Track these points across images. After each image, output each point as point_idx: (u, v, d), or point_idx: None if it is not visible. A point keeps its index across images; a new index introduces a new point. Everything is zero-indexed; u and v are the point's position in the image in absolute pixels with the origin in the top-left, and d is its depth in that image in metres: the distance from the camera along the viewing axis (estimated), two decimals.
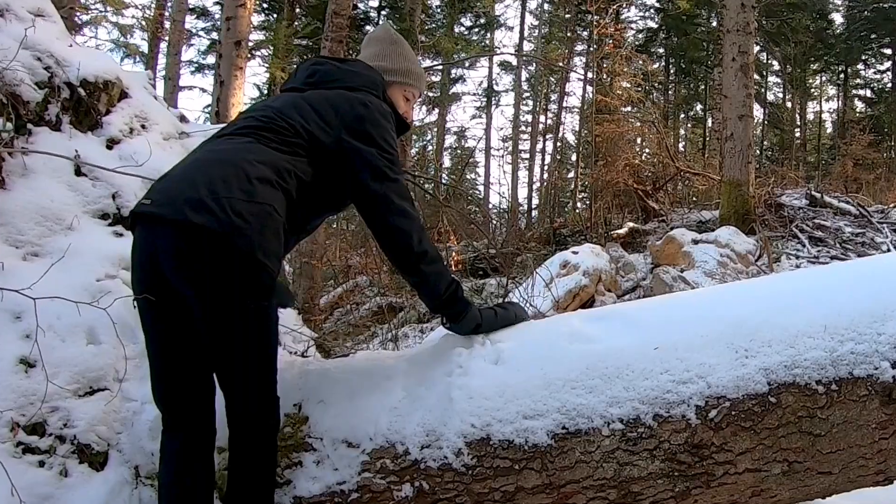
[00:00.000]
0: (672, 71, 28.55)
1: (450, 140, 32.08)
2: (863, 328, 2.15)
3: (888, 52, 29.75)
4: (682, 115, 30.14)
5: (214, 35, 19.60)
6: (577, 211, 21.54)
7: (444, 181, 22.00)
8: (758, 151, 23.26)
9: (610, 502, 2.18)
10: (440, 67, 25.05)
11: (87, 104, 3.51)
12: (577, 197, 24.46)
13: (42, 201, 3.10)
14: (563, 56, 25.66)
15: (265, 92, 20.43)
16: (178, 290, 2.18)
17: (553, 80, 28.69)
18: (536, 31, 31.05)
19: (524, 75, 30.01)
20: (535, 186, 28.98)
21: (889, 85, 30.05)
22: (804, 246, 11.26)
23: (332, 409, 2.40)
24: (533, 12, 30.44)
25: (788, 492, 2.17)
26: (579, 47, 27.56)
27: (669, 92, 28.62)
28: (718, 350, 2.21)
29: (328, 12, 9.58)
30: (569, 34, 26.92)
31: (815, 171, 22.55)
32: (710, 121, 25.60)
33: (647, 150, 19.24)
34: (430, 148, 30.12)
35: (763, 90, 29.04)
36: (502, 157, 32.48)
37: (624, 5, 23.70)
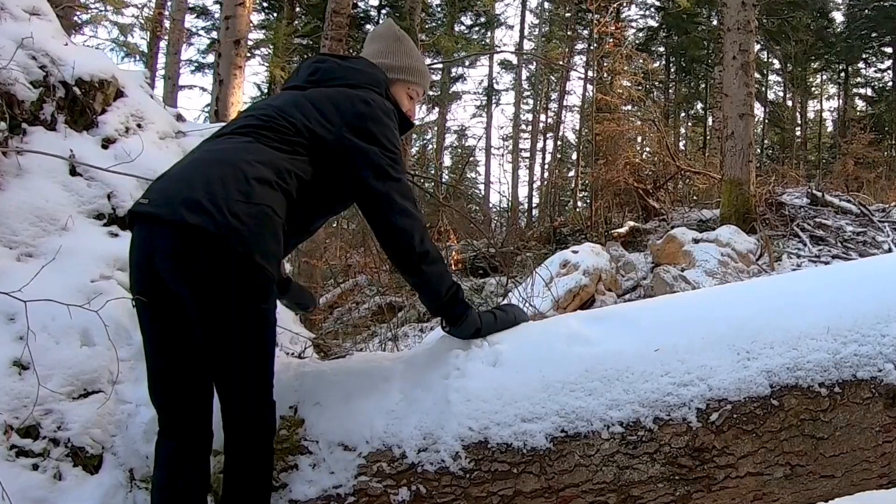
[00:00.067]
0: (672, 69, 28.55)
1: (450, 139, 32.12)
2: (866, 329, 2.12)
3: (889, 50, 29.75)
4: (683, 114, 30.16)
5: (214, 34, 19.61)
6: (578, 210, 21.56)
7: (444, 180, 21.99)
8: (758, 150, 23.24)
9: None
10: (440, 66, 25.03)
11: (82, 103, 3.48)
12: (577, 196, 24.48)
13: (36, 201, 3.08)
14: (564, 55, 25.66)
15: (265, 91, 20.44)
16: (174, 290, 2.15)
17: (553, 78, 28.71)
18: (537, 29, 31.10)
19: (524, 74, 30.05)
20: (535, 185, 29.02)
21: (890, 83, 30.05)
22: (805, 245, 11.24)
23: (329, 411, 2.37)
24: (533, 11, 30.54)
25: (791, 496, 2.14)
26: (579, 46, 27.62)
27: (670, 90, 28.63)
28: (720, 352, 2.18)
29: (328, 11, 9.57)
30: (569, 33, 26.95)
31: (815, 170, 22.54)
32: (710, 119, 25.61)
33: (647, 149, 19.24)
34: (430, 147, 30.12)
35: (764, 89, 29.05)
36: (503, 155, 32.51)
37: (624, 4, 23.72)
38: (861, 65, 30.90)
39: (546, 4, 30.30)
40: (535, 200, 28.04)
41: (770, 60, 29.73)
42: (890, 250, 10.59)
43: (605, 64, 20.83)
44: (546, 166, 28.56)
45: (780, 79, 30.98)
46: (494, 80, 30.68)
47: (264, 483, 2.25)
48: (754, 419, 2.08)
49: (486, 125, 30.69)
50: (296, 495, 2.29)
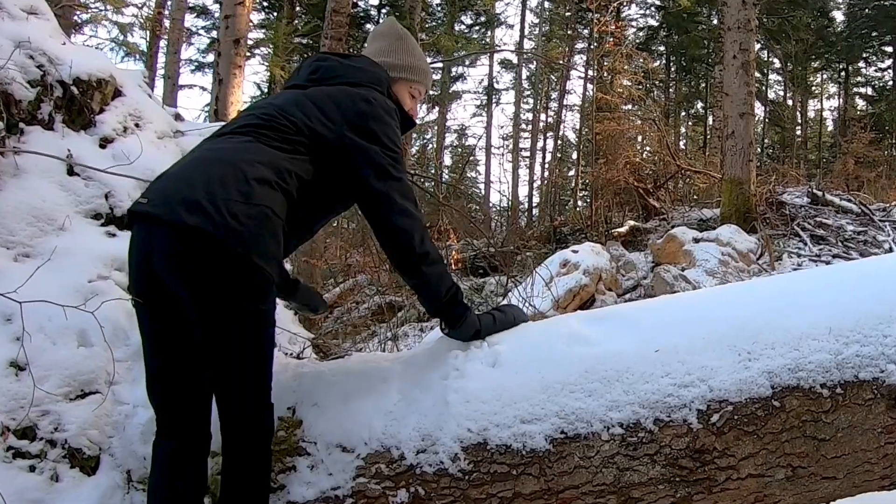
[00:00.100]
0: (673, 69, 28.56)
1: (450, 138, 32.11)
2: (868, 330, 2.11)
3: (889, 49, 29.77)
4: (683, 113, 30.16)
5: (214, 33, 19.58)
6: (578, 209, 21.56)
7: (444, 180, 21.98)
8: (759, 149, 23.23)
9: None
10: (440, 65, 25.01)
11: (80, 103, 3.46)
12: (577, 195, 24.48)
13: (34, 201, 3.06)
14: (564, 54, 25.65)
15: (265, 90, 20.44)
16: (173, 291, 2.14)
17: (554, 78, 28.70)
18: (537, 28, 31.08)
19: (525, 73, 30.06)
20: (535, 185, 29.03)
21: (890, 83, 30.07)
22: (806, 244, 11.23)
23: (327, 412, 2.36)
24: (533, 10, 30.51)
25: (792, 497, 2.13)
26: (580, 45, 27.64)
27: (670, 90, 28.63)
28: (720, 352, 2.16)
29: (328, 10, 9.56)
30: (569, 32, 26.94)
31: (816, 169, 22.51)
32: (710, 119, 25.61)
33: (647, 148, 19.21)
34: (430, 146, 30.12)
35: (764, 88, 29.05)
36: (503, 155, 32.49)
37: (624, 3, 23.70)
38: (861, 64, 30.93)
39: (546, 4, 30.33)
40: (536, 200, 28.10)
41: (770, 59, 29.74)
42: (891, 250, 10.58)
43: (605, 63, 20.82)
44: (546, 165, 28.60)
45: (780, 78, 31.02)
46: (494, 80, 30.71)
47: (263, 485, 2.23)
48: (755, 420, 2.07)
49: (486, 124, 30.73)
50: (294, 497, 2.28)
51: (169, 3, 17.27)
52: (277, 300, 2.50)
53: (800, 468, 2.08)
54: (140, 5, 13.41)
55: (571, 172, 28.13)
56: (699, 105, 29.76)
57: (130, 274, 2.27)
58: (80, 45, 4.65)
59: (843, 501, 2.25)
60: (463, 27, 28.42)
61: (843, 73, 31.17)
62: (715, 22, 24.59)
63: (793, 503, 2.14)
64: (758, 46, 22.30)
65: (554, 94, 29.24)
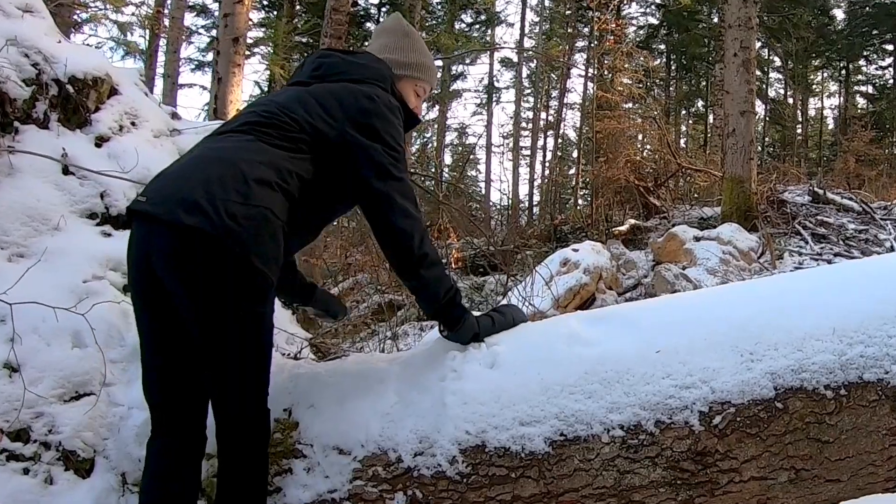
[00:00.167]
0: (673, 67, 28.58)
1: (450, 137, 32.11)
2: (872, 330, 2.08)
3: (890, 47, 29.79)
4: (683, 112, 30.16)
5: (214, 32, 19.56)
6: (578, 208, 21.56)
7: (444, 179, 21.96)
8: (759, 148, 23.22)
9: None
10: (441, 63, 24.98)
11: (75, 101, 3.44)
12: (578, 194, 24.48)
13: (28, 201, 3.03)
14: (564, 52, 25.60)
15: (265, 89, 20.43)
16: (172, 290, 2.12)
17: (554, 76, 28.70)
18: (537, 27, 31.03)
19: (525, 72, 30.04)
20: (535, 183, 29.02)
21: (891, 81, 30.10)
22: (807, 243, 11.20)
23: (323, 414, 2.33)
24: (533, 8, 30.48)
25: (795, 500, 2.10)
26: (580, 43, 27.63)
27: (670, 88, 28.63)
28: (722, 353, 2.13)
29: (327, 8, 9.54)
30: (569, 30, 26.93)
31: (816, 168, 22.50)
32: (711, 117, 25.57)
33: (648, 147, 19.20)
34: (430, 145, 30.12)
35: (764, 86, 29.04)
36: (503, 153, 32.47)
37: (625, 1, 23.69)
38: (862, 62, 30.96)
39: (546, 2, 30.32)
40: (536, 198, 28.08)
41: (771, 58, 29.74)
42: (893, 248, 10.56)
43: (605, 61, 20.83)
44: (546, 164, 28.61)
45: (780, 76, 31.00)
46: (495, 78, 30.71)
47: (260, 487, 2.21)
48: (758, 422, 2.04)
49: (486, 123, 30.71)
50: (290, 500, 2.25)
51: (168, 1, 17.25)
52: (277, 301, 2.48)
53: (803, 471, 2.05)
54: (139, 4, 13.39)
55: (572, 171, 28.16)
56: (699, 103, 29.78)
57: (129, 272, 2.24)
58: (77, 43, 4.61)
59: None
60: (463, 25, 28.47)
61: (843, 72, 31.18)
62: (715, 20, 24.59)
63: None
64: (758, 44, 22.29)
65: (554, 93, 29.28)
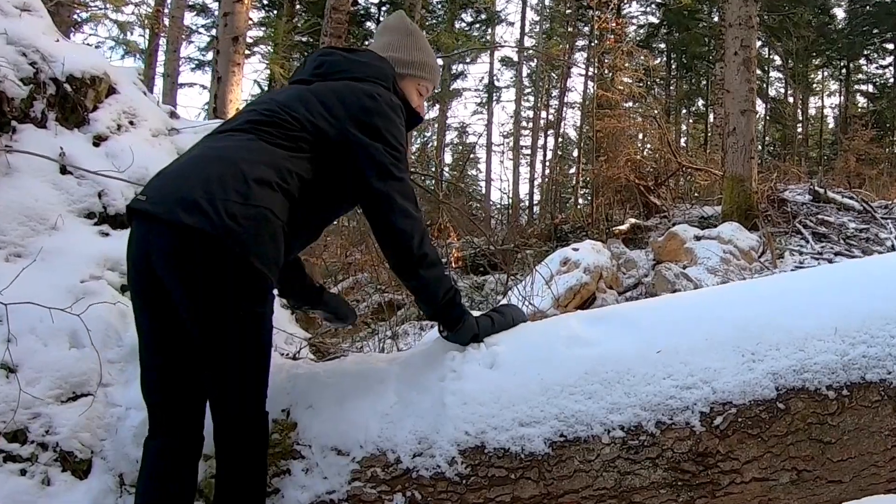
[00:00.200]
0: (673, 66, 28.56)
1: (451, 136, 32.13)
2: (875, 330, 2.06)
3: (890, 46, 29.79)
4: (684, 111, 30.16)
5: (214, 31, 19.55)
6: (579, 207, 21.51)
7: (444, 178, 21.95)
8: (760, 147, 23.21)
9: None
10: (441, 62, 24.97)
11: (73, 100, 3.43)
12: (578, 193, 24.44)
13: (26, 200, 3.03)
14: (565, 51, 25.58)
15: (265, 89, 20.41)
16: (171, 290, 2.10)
17: (554, 75, 28.69)
18: (537, 26, 31.02)
19: (525, 71, 30.04)
20: (536, 182, 29.00)
21: (891, 80, 30.10)
22: (808, 242, 11.18)
23: (322, 414, 2.32)
24: (534, 8, 30.48)
25: (797, 501, 2.08)
26: (580, 42, 27.62)
27: (671, 87, 28.62)
28: (724, 353, 2.12)
29: (327, 8, 9.54)
30: (570, 29, 26.91)
31: (817, 167, 22.47)
32: (711, 116, 25.55)
33: (648, 146, 19.18)
34: (430, 144, 30.11)
35: (765, 85, 29.02)
36: (503, 153, 32.48)
37: (625, 0, 23.66)
38: (862, 61, 30.96)
39: (547, 1, 30.33)
40: (536, 197, 28.04)
41: (771, 57, 29.72)
42: (893, 247, 10.54)
43: (605, 60, 20.78)
44: (547, 163, 28.58)
45: (781, 75, 30.99)
46: (495, 77, 30.71)
47: (259, 488, 2.20)
48: (760, 423, 2.03)
49: (486, 122, 30.70)
50: (288, 501, 2.24)
51: (168, 0, 17.23)
52: (275, 301, 2.46)
53: (805, 472, 2.04)
54: (138, 3, 13.38)
55: (572, 170, 28.13)
56: (700, 102, 29.78)
57: (129, 271, 2.23)
58: (74, 42, 4.60)
59: None
60: (463, 25, 28.45)
61: (844, 71, 31.18)
62: (716, 19, 24.60)
63: None
64: (759, 43, 22.26)
65: (555, 92, 29.25)
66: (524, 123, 30.83)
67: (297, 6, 22.48)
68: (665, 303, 2.61)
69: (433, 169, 24.63)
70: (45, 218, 3.03)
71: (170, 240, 2.06)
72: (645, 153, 18.37)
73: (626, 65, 19.40)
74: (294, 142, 2.25)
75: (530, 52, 27.34)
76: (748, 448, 2.03)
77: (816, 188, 13.74)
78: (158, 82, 16.73)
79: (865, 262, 2.79)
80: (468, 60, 29.06)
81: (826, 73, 32.31)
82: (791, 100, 30.95)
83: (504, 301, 7.58)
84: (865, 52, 30.23)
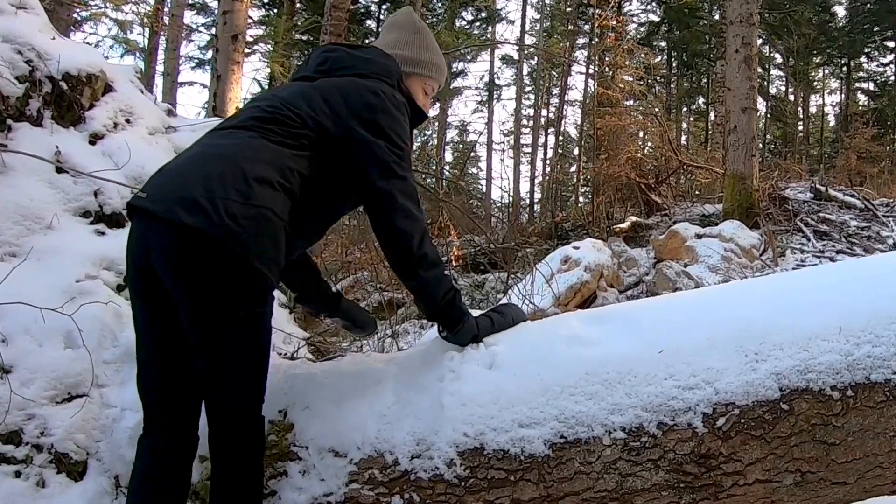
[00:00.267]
0: (674, 64, 28.55)
1: (451, 134, 32.13)
2: (880, 330, 2.04)
3: (891, 44, 29.79)
4: (685, 109, 30.16)
5: (214, 30, 19.54)
6: (579, 205, 21.50)
7: (444, 176, 21.95)
8: (761, 145, 23.19)
9: None
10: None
11: (69, 98, 3.41)
12: (578, 191, 24.42)
13: (21, 199, 3.01)
14: (565, 49, 25.57)
15: (265, 87, 20.40)
16: (170, 289, 2.08)
17: (555, 73, 28.69)
18: (538, 24, 31.00)
19: (525, 69, 30.02)
20: (536, 180, 29.01)
21: (892, 78, 30.10)
22: (809, 240, 11.16)
23: (319, 415, 2.29)
24: (534, 6, 30.45)
25: (801, 503, 2.06)
26: (581, 41, 27.60)
27: (671, 85, 28.60)
28: (726, 353, 2.09)
29: (327, 6, 9.50)
30: (570, 27, 26.89)
31: (818, 165, 22.46)
32: (712, 114, 25.53)
33: (649, 144, 19.17)
34: (430, 143, 30.11)
35: (766, 83, 29.02)
36: (504, 151, 32.49)
37: None
38: (863, 59, 30.96)
39: None
40: (537, 196, 28.06)
41: (772, 55, 29.71)
42: (895, 245, 10.51)
43: (606, 58, 20.74)
44: (547, 161, 28.59)
45: (782, 73, 30.98)
46: (495, 76, 30.73)
47: (255, 490, 2.17)
48: (763, 424, 2.00)
49: (487, 120, 30.71)
50: (285, 503, 2.21)
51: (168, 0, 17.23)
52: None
53: (809, 473, 2.01)
54: (138, 2, 13.37)
55: (573, 168, 28.13)
56: (700, 100, 29.79)
57: (128, 269, 2.21)
58: (70, 40, 4.58)
59: None
60: (463, 23, 28.44)
61: (844, 69, 31.17)
62: (716, 17, 24.59)
63: None
64: (759, 41, 22.24)
65: (555, 90, 29.31)
66: (525, 121, 30.86)
67: (297, 4, 22.47)
68: (666, 302, 2.58)
69: (433, 167, 24.63)
70: (41, 217, 3.01)
71: (169, 239, 2.04)
72: (646, 151, 18.36)
73: (627, 63, 19.39)
74: (296, 139, 2.22)
75: (531, 49, 27.34)
76: (751, 449, 2.00)
77: (818, 186, 13.71)
78: (158, 81, 16.75)
79: (869, 260, 2.76)
80: (468, 59, 29.10)
81: (827, 71, 32.33)
82: (792, 98, 30.96)
83: (504, 299, 7.55)
84: (866, 50, 30.26)
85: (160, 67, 17.10)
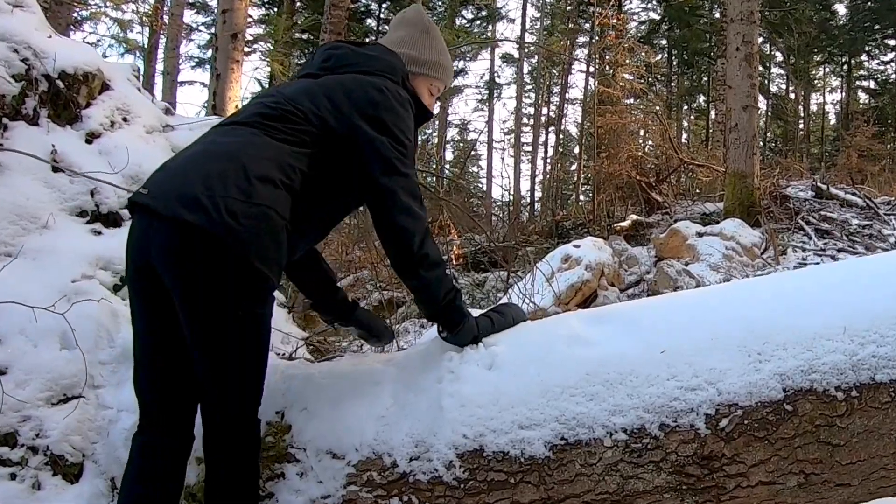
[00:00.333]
0: (674, 62, 28.54)
1: (451, 133, 32.12)
2: (885, 329, 2.01)
3: (892, 42, 29.78)
4: (685, 107, 30.15)
5: (214, 29, 19.53)
6: (580, 203, 21.48)
7: (445, 175, 21.93)
8: (761, 143, 23.18)
9: None
10: None
11: (66, 97, 3.39)
12: (579, 189, 24.41)
13: (17, 199, 2.99)
14: (565, 48, 25.56)
15: (265, 86, 20.39)
16: (170, 287, 2.06)
17: (555, 72, 28.69)
18: (538, 23, 31.00)
19: (526, 67, 30.03)
20: (537, 179, 29.03)
21: (893, 76, 30.09)
22: (810, 238, 11.13)
23: (317, 417, 2.27)
24: (534, 4, 30.44)
25: None
26: (581, 39, 27.60)
27: (672, 84, 28.60)
28: (729, 354, 2.06)
29: (327, 4, 9.51)
30: (570, 25, 26.89)
31: (819, 163, 22.44)
32: (713, 113, 25.52)
33: (650, 142, 19.14)
34: (430, 142, 30.10)
35: (766, 81, 29.00)
36: (504, 149, 32.48)
37: None
38: (864, 57, 30.96)
39: None
40: (537, 194, 28.07)
41: (773, 53, 29.70)
42: None
43: (606, 57, 20.73)
44: (548, 160, 28.60)
45: (782, 71, 30.97)
46: (496, 74, 30.73)
47: (252, 492, 2.15)
48: (766, 425, 1.97)
49: (487, 119, 30.72)
50: None
51: None
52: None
53: (813, 475, 1.99)
54: (137, 0, 13.36)
55: (573, 167, 28.13)
56: (701, 99, 29.78)
57: (128, 266, 2.20)
58: (67, 38, 4.56)
59: None
60: (464, 21, 28.43)
61: (845, 67, 31.15)
62: (717, 15, 24.57)
63: None
64: (760, 40, 22.22)
65: (555, 89, 29.32)
66: (525, 120, 30.86)
67: (297, 3, 22.47)
68: (668, 302, 2.56)
69: (434, 166, 24.62)
70: (37, 216, 2.99)
71: (169, 236, 2.03)
72: (646, 149, 18.31)
73: (628, 61, 19.37)
74: (299, 136, 2.21)
75: (531, 48, 27.32)
76: (754, 451, 1.98)
77: (819, 184, 13.68)
78: (158, 80, 16.76)
79: (872, 259, 2.73)
80: (469, 57, 29.07)
81: (827, 70, 32.33)
82: (793, 96, 30.95)
83: (505, 298, 7.53)
84: (867, 48, 30.25)
85: (160, 66, 17.12)
